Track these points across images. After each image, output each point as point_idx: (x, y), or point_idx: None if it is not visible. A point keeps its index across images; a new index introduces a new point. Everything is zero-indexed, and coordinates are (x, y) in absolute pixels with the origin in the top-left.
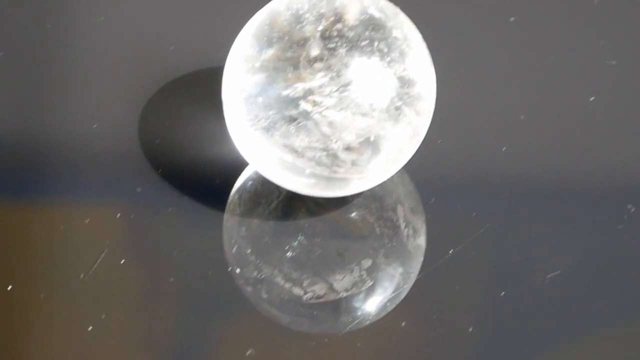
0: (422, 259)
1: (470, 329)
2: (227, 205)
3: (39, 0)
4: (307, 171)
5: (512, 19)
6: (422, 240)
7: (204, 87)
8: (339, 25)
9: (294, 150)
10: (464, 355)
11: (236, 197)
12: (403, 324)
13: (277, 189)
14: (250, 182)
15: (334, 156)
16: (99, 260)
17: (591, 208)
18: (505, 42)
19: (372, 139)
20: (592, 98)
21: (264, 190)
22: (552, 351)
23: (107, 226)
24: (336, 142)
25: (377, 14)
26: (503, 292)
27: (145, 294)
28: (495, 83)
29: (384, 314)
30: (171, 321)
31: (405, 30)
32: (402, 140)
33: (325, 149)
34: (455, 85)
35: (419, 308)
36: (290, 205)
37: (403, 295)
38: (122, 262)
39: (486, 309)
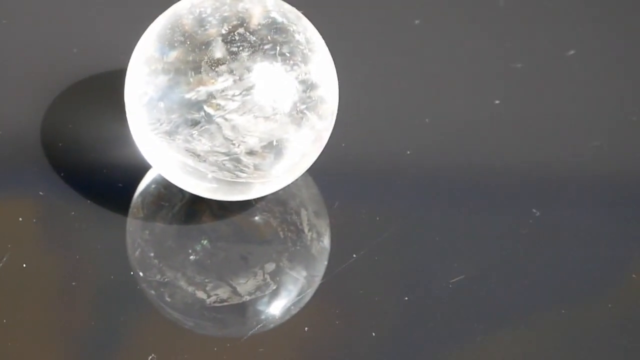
0: (326, 262)
1: (374, 334)
2: (130, 208)
3: None
4: (210, 175)
5: (417, 21)
6: (326, 244)
7: (107, 89)
8: (241, 30)
9: (196, 155)
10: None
11: (139, 200)
12: (306, 328)
13: (181, 192)
14: (153, 186)
15: (236, 160)
16: (1, 264)
17: (496, 212)
18: (410, 45)
19: (275, 143)
20: (497, 101)
21: (167, 193)
22: (455, 355)
23: (9, 230)
24: (239, 146)
25: (279, 18)
26: (406, 297)
27: (47, 298)
28: (400, 86)
29: (287, 318)
30: (74, 326)
31: (307, 34)
32: (305, 144)
33: (227, 153)
34: (359, 89)
35: (323, 312)
36: (193, 209)
37: (307, 300)
38: (24, 266)
39: (390, 313)
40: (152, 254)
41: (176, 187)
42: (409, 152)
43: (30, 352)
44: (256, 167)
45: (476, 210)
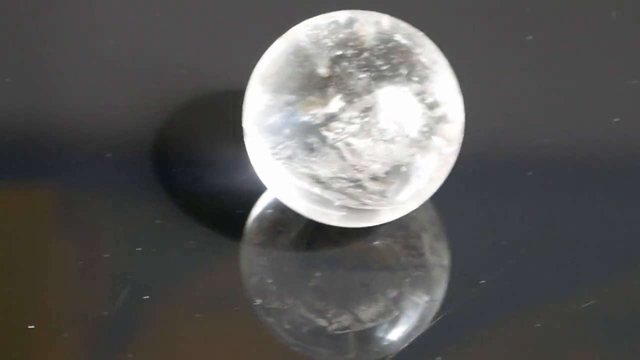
0: (450, 287)
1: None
2: (246, 234)
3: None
4: (337, 203)
5: (529, 37)
6: (449, 269)
7: (219, 113)
8: (358, 51)
9: (320, 182)
10: None
11: (255, 225)
12: (439, 358)
13: (298, 216)
14: (269, 210)
15: (361, 187)
16: (122, 297)
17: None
18: (523, 60)
19: (402, 169)
20: (616, 119)
21: (284, 218)
22: None
23: (129, 261)
24: (362, 171)
25: (399, 39)
26: (538, 324)
27: (169, 330)
28: (516, 105)
29: (417, 346)
30: (199, 356)
31: (430, 54)
32: (431, 170)
33: (351, 179)
34: (474, 108)
35: (453, 341)
36: (311, 234)
37: (436, 327)
38: (145, 297)
39: (522, 341)
40: (270, 281)
41: (293, 211)
42: (530, 174)
43: None
44: (381, 195)
45: (606, 231)
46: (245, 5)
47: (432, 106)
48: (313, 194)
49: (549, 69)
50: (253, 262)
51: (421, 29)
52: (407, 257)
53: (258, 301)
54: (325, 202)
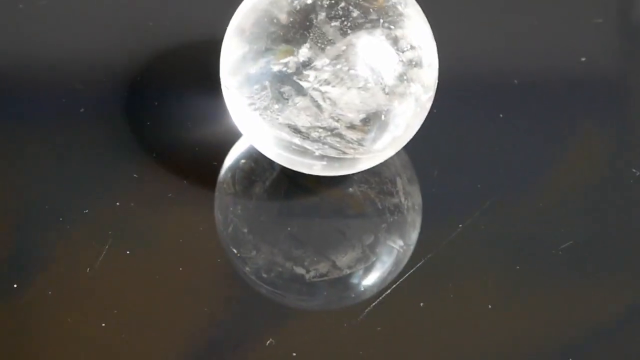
0: (430, 233)
1: (490, 306)
2: (221, 184)
3: None
4: (317, 153)
5: None
6: (425, 214)
7: (198, 62)
8: (342, 3)
9: (299, 131)
10: (490, 332)
11: (229, 175)
12: (422, 304)
13: (271, 165)
14: (243, 160)
15: (338, 135)
16: (104, 252)
17: (599, 173)
18: (491, 3)
19: (379, 116)
20: None
21: (257, 168)
22: (569, 320)
23: (109, 215)
24: (338, 120)
25: None
26: (518, 267)
27: (151, 284)
28: (488, 46)
29: (400, 293)
30: (178, 311)
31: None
32: (408, 117)
33: (328, 128)
34: (450, 52)
35: (436, 286)
36: (286, 182)
37: (418, 273)
38: (127, 252)
39: (503, 285)
40: (245, 230)
41: (267, 161)
42: (501, 116)
43: (137, 341)
44: (359, 143)
45: (579, 171)
46: None
47: (406, 52)
48: (293, 144)
49: (517, 10)
50: (228, 212)
51: None
52: (383, 202)
53: (235, 251)
54: (305, 152)
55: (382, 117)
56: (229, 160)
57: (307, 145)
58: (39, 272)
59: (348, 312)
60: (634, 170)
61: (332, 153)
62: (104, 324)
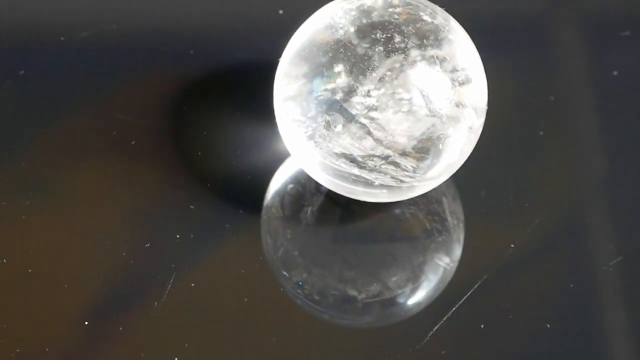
0: (483, 256)
1: (548, 325)
2: (272, 209)
3: None
4: (377, 183)
5: None
6: (478, 236)
7: (253, 87)
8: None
9: (354, 160)
10: (549, 351)
11: (277, 200)
12: (482, 326)
13: (318, 190)
14: (290, 185)
15: (394, 163)
16: (169, 286)
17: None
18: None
19: (430, 142)
20: None
21: (305, 192)
22: (627, 337)
23: (171, 250)
24: (389, 147)
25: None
26: (571, 285)
27: (218, 314)
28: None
29: (456, 314)
30: (235, 338)
31: (442, 17)
32: (462, 143)
33: (382, 156)
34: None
35: (494, 306)
36: (332, 207)
37: (476, 294)
38: (192, 285)
39: (559, 303)
40: (296, 253)
41: (313, 185)
42: (541, 133)
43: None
44: (414, 171)
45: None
46: None
47: (455, 73)
48: (352, 175)
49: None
50: (278, 236)
51: None
52: (431, 223)
53: (286, 274)
54: (365, 183)
55: (437, 144)
56: (275, 184)
57: (366, 175)
58: (109, 308)
59: (410, 334)
60: None
61: (390, 182)
62: (176, 358)
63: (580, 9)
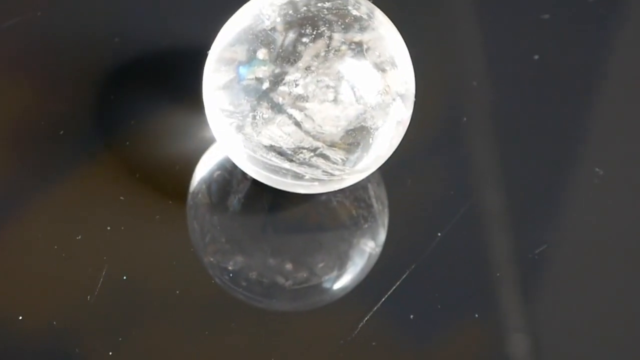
0: (412, 244)
1: (476, 315)
2: (194, 194)
3: None
4: (307, 176)
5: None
6: (405, 224)
7: (181, 76)
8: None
9: (283, 153)
10: (479, 341)
11: (204, 187)
12: (412, 316)
13: (244, 177)
14: (217, 173)
15: (323, 156)
16: (102, 279)
17: (560, 172)
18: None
19: (358, 132)
20: None
21: (232, 179)
22: (553, 325)
23: (102, 241)
24: (319, 138)
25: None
26: (498, 273)
27: (150, 306)
28: (453, 54)
29: (388, 304)
30: (163, 329)
31: (367, 9)
32: (391, 135)
33: (311, 149)
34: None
35: (421, 296)
36: (261, 195)
37: (405, 284)
38: (124, 278)
39: (486, 291)
40: (223, 240)
41: (240, 172)
42: (464, 119)
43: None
44: (344, 163)
45: (543, 172)
46: None
47: (380, 61)
48: (283, 169)
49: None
50: (205, 223)
51: None
52: (357, 209)
53: (213, 260)
54: (295, 176)
55: (366, 136)
56: (201, 170)
57: (296, 169)
58: (42, 301)
59: (340, 326)
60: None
61: (320, 175)
62: (110, 353)
63: None
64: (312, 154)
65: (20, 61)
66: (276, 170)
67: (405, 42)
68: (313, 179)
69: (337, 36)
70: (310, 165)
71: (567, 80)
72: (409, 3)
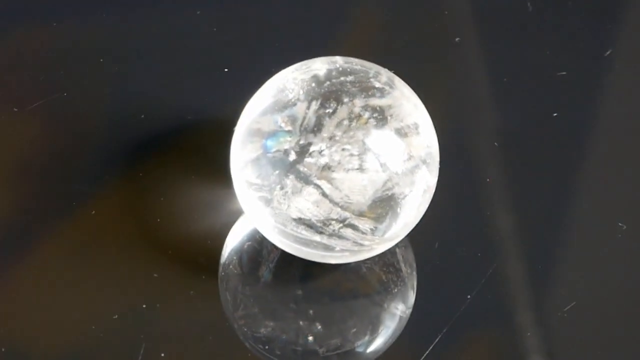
0: (443, 307)
1: None
2: (225, 265)
3: None
4: (338, 248)
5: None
6: (436, 288)
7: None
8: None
9: (311, 225)
10: None
11: (235, 258)
12: None
13: (275, 247)
14: (247, 244)
15: (352, 227)
16: (140, 357)
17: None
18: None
19: (385, 201)
20: None
21: (262, 250)
22: None
23: (139, 321)
24: (346, 208)
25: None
26: (528, 333)
27: None
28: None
29: None
30: None
31: (388, 78)
32: (417, 200)
33: (340, 220)
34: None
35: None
36: (290, 264)
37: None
38: (162, 355)
39: (516, 348)
40: (256, 310)
41: (270, 242)
42: (488, 180)
43: None
44: (373, 233)
45: (565, 229)
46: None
47: (402, 128)
48: (313, 242)
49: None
50: (237, 294)
51: None
52: (387, 274)
53: (247, 330)
54: (327, 248)
55: (393, 204)
56: (231, 242)
57: (326, 241)
58: None
59: None
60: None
61: (350, 246)
62: None
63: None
64: (341, 224)
65: (47, 141)
66: (307, 243)
67: (425, 106)
68: (343, 250)
69: (359, 104)
70: (340, 237)
71: (587, 137)
72: (425, 69)
